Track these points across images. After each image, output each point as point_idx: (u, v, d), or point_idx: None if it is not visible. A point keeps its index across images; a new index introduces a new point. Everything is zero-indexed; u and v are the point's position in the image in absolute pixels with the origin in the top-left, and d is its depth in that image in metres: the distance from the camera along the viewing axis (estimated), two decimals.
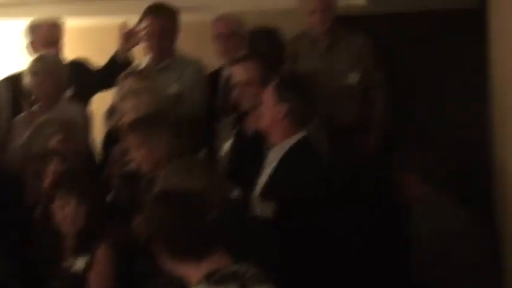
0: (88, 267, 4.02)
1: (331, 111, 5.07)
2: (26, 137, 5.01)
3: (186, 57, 5.69)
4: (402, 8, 6.24)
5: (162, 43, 5.57)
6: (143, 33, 5.58)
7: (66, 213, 4.07)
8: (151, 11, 5.61)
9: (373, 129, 5.41)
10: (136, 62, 5.73)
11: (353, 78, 5.44)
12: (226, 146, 4.71)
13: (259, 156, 4.20)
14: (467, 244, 4.51)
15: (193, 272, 3.04)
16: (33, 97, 5.25)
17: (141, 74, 5.28)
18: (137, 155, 4.38)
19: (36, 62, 5.27)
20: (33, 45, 5.67)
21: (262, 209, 3.93)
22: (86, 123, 5.35)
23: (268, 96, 4.18)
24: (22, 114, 5.30)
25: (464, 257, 4.48)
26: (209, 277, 3.02)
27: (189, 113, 5.26)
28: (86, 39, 6.72)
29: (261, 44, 5.16)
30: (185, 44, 5.73)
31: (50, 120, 4.91)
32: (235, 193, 3.96)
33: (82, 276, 4.01)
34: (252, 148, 4.33)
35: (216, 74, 5.66)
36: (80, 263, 4.05)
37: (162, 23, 5.55)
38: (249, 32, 5.39)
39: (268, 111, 4.15)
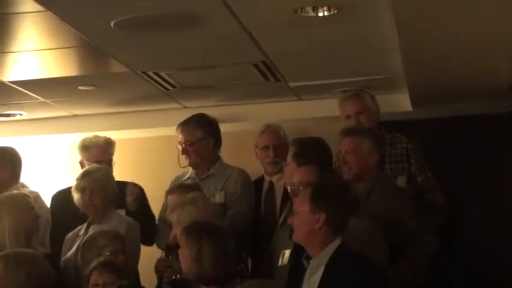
0: None
1: None
2: (77, 248, 5.20)
3: (229, 166, 5.82)
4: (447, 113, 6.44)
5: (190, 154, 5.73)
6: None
7: None
8: (180, 125, 5.80)
9: None
10: (179, 173, 5.91)
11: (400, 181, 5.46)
12: (287, 254, 4.71)
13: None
14: None
15: None
16: (81, 211, 5.40)
17: (186, 185, 5.52)
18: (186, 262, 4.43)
19: (82, 177, 5.41)
20: (85, 162, 5.84)
21: None
22: (136, 237, 5.43)
23: (304, 206, 4.22)
24: (74, 231, 5.44)
25: None
26: None
27: (234, 223, 5.38)
28: (133, 150, 6.96)
29: (313, 152, 5.03)
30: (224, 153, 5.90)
31: (103, 233, 5.06)
32: None
33: None
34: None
35: (257, 182, 5.81)
36: None
37: (186, 134, 5.74)
38: (297, 140, 5.22)
39: (305, 221, 4.19)
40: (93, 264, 4.76)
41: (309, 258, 4.22)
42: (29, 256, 4.69)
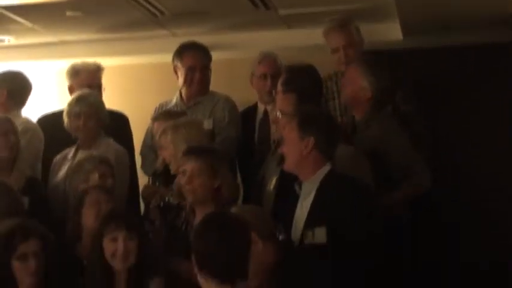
0: None
1: None
2: (65, 173, 5.23)
3: (216, 93, 5.82)
4: (438, 43, 6.36)
5: (200, 79, 5.73)
6: (181, 70, 5.74)
7: (116, 249, 4.11)
8: (189, 48, 5.78)
9: None
10: (162, 101, 5.91)
11: None
12: (274, 181, 4.78)
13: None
14: None
15: None
16: (73, 136, 5.41)
17: (173, 112, 5.51)
18: (196, 183, 4.47)
19: (76, 102, 5.39)
20: (74, 88, 5.80)
21: (315, 236, 4.03)
22: (124, 162, 5.43)
23: (292, 132, 4.26)
24: (62, 152, 5.46)
25: None
26: None
27: (223, 149, 5.27)
28: (123, 77, 6.94)
29: (301, 80, 5.03)
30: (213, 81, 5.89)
31: (90, 158, 5.06)
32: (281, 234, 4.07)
33: None
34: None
35: (250, 111, 5.82)
36: None
37: (200, 58, 5.73)
38: (287, 67, 5.28)
39: (294, 148, 4.24)
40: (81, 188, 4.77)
41: (300, 184, 4.27)
42: None
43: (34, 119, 5.91)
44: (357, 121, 5.10)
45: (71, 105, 5.41)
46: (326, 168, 4.23)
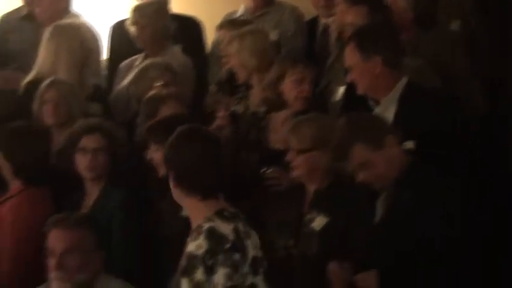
0: None
1: None
2: (130, 80, 5.18)
3: (282, 3, 5.74)
4: None
5: None
6: None
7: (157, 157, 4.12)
8: None
9: None
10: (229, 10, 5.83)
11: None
12: (341, 90, 4.72)
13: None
14: None
15: (201, 209, 3.27)
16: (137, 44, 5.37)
17: (239, 21, 5.45)
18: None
19: (133, 11, 5.35)
20: None
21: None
22: (189, 72, 5.36)
23: (354, 57, 4.06)
24: (126, 60, 5.44)
25: None
26: (220, 214, 3.26)
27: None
28: None
29: None
30: None
31: (154, 65, 5.03)
32: None
33: None
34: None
35: (312, 23, 5.69)
36: None
37: None
38: None
39: (363, 72, 4.04)
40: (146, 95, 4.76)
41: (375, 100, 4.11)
42: None
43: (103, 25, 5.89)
44: None
45: (130, 13, 5.38)
46: (403, 81, 4.05)
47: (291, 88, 4.59)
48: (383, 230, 3.57)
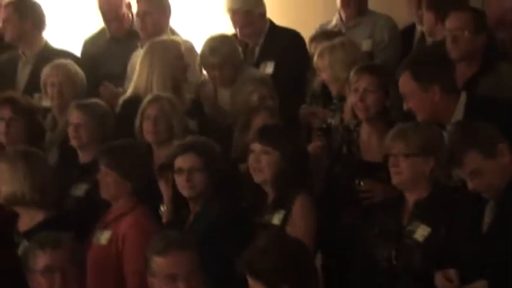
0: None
1: None
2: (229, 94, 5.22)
3: (376, 13, 5.70)
4: None
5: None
6: None
7: (261, 164, 4.13)
8: None
9: None
10: (323, 21, 5.81)
11: None
12: None
13: None
14: None
15: None
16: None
17: (330, 32, 5.44)
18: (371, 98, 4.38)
19: (213, 41, 5.35)
20: None
21: None
22: None
23: (409, 85, 4.08)
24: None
25: None
26: None
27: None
28: None
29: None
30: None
31: (248, 79, 5.08)
32: None
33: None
34: None
35: (408, 30, 5.64)
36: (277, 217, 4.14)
37: None
38: None
39: (421, 102, 4.06)
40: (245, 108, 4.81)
41: None
42: None
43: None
44: None
45: (208, 42, 5.37)
46: (463, 97, 4.06)
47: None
48: (491, 240, 3.52)
